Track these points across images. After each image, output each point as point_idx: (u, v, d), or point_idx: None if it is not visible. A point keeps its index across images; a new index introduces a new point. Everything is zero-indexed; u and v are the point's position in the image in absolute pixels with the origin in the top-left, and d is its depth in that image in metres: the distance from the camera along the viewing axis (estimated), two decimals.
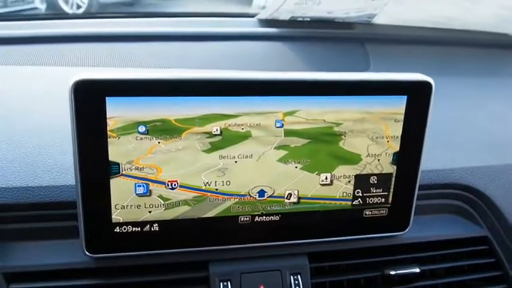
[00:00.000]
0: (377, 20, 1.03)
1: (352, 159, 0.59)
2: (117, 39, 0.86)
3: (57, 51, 0.83)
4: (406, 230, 0.63)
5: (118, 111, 0.51)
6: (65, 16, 0.97)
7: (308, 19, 1.00)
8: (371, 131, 0.58)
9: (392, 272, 0.63)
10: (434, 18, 1.04)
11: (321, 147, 0.57)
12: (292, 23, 0.99)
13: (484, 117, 0.82)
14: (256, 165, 0.56)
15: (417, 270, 0.64)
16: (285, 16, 0.99)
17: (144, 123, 0.52)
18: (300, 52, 0.92)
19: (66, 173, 0.58)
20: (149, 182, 0.54)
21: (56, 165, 0.59)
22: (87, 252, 0.55)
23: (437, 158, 0.69)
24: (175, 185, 0.55)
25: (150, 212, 0.55)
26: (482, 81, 0.92)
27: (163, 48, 0.87)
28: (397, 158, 0.60)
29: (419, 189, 0.62)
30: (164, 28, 0.91)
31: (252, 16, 1.00)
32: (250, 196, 0.57)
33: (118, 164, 0.53)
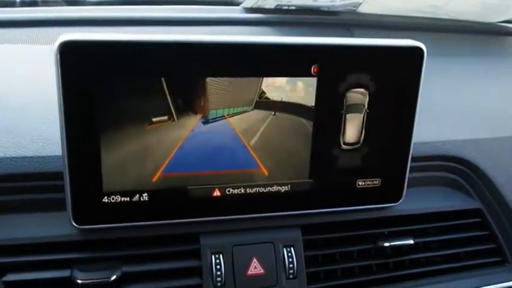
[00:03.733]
0: (362, 9, 1.03)
1: None
2: (100, 23, 0.85)
3: (33, 34, 0.82)
4: (399, 201, 0.62)
5: None
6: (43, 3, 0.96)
7: (293, 7, 1.00)
8: None
9: (386, 244, 0.62)
10: (420, 7, 1.04)
11: None
12: (278, 11, 0.99)
13: (474, 93, 0.82)
14: None
15: (411, 242, 0.63)
16: (271, 4, 0.98)
17: None
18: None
19: (52, 143, 0.57)
20: None
21: (41, 136, 0.57)
22: (74, 224, 0.53)
23: (429, 132, 0.69)
24: None
25: None
26: (470, 61, 0.93)
27: (149, 32, 0.86)
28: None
29: (412, 161, 0.61)
30: (150, 13, 0.90)
31: (237, 4, 1.00)
32: None
33: None
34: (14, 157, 0.55)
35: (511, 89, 0.86)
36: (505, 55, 1.01)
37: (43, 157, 0.56)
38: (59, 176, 0.53)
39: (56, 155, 0.56)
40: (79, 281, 0.53)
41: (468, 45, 1.00)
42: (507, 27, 1.11)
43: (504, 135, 0.73)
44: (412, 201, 0.65)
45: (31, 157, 0.56)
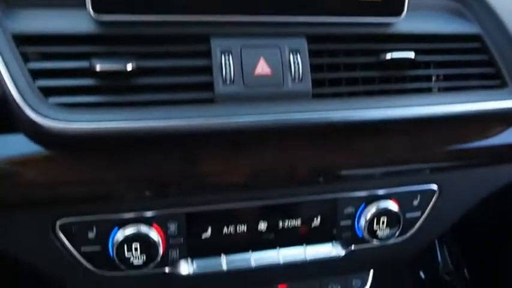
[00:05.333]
0: None
1: None
2: None
3: None
4: (401, 16, 0.64)
5: None
6: None
7: None
8: None
9: (388, 57, 0.65)
10: None
11: None
12: None
13: None
14: None
15: (412, 56, 0.65)
16: None
17: None
18: None
19: None
20: None
21: None
22: (92, 13, 0.57)
23: None
24: None
25: None
26: None
27: None
28: None
29: None
30: None
31: None
32: None
33: None
34: None
35: None
36: None
37: None
38: None
39: None
40: (97, 69, 0.57)
41: None
42: None
43: None
44: (414, 23, 0.67)
45: None
